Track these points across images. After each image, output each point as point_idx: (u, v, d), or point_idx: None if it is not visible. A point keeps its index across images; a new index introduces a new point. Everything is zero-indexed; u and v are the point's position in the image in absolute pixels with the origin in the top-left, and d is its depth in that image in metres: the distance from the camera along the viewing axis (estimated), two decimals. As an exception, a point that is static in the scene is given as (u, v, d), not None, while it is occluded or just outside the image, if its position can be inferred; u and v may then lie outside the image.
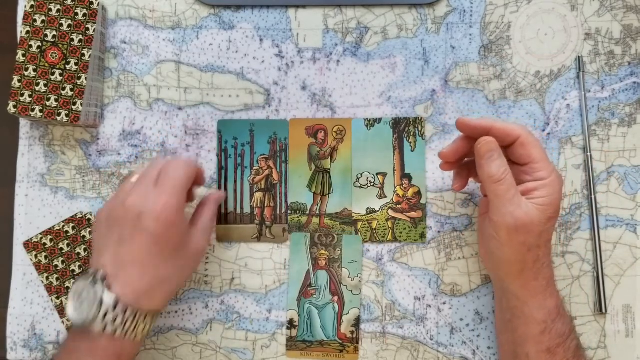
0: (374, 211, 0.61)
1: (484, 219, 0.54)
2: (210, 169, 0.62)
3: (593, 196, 0.60)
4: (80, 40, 0.58)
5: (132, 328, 0.47)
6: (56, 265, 0.60)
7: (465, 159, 0.57)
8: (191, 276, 0.61)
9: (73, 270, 0.60)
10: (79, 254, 0.60)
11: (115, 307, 0.47)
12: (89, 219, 0.61)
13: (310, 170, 0.61)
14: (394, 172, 0.61)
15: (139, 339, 0.49)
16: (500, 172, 0.49)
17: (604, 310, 0.59)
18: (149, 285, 0.49)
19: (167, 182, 0.50)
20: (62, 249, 0.60)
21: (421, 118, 0.61)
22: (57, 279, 0.60)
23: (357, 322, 0.60)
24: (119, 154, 0.62)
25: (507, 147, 0.52)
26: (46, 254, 0.60)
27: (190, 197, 0.55)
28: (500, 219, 0.49)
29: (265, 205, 0.61)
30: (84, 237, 0.60)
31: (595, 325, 0.60)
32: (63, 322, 0.60)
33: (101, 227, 0.51)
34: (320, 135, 0.62)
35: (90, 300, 0.47)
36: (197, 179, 0.55)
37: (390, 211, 0.61)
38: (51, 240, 0.60)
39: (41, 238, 0.60)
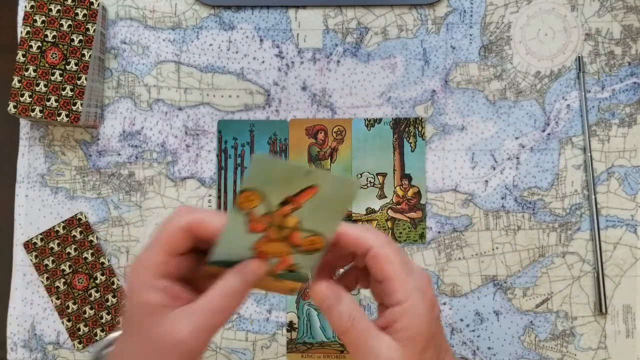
0: (373, 211, 0.61)
1: None
2: (210, 169, 0.62)
3: (593, 196, 0.60)
4: (80, 41, 0.58)
5: None
6: (56, 266, 0.60)
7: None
8: None
9: (74, 271, 0.60)
10: (69, 253, 0.60)
11: None
12: (79, 219, 0.61)
13: (310, 170, 0.61)
14: (394, 173, 0.61)
15: None
16: (344, 321, 0.38)
17: (604, 311, 0.59)
18: None
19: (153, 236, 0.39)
20: (61, 250, 0.60)
21: (421, 118, 0.61)
22: (56, 280, 0.60)
23: (357, 322, 0.60)
24: (119, 155, 0.62)
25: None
26: (46, 254, 0.60)
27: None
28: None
29: (265, 206, 0.61)
30: (74, 236, 0.60)
31: (595, 325, 0.60)
32: (63, 322, 0.60)
33: None
34: (320, 135, 0.62)
35: None
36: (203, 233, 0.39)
37: (390, 211, 0.61)
38: (51, 240, 0.60)
39: (41, 238, 0.60)
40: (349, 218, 0.61)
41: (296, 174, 0.38)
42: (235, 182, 0.61)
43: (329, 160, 0.61)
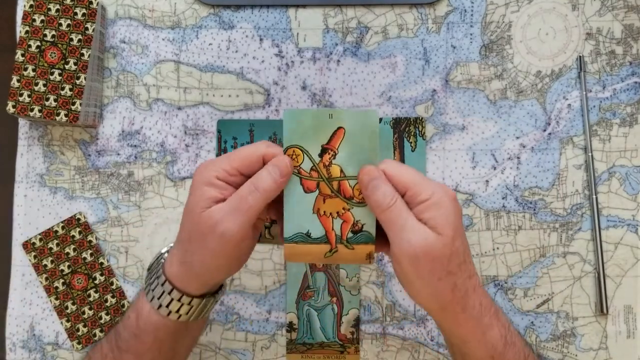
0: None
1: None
2: (209, 169, 0.62)
3: (594, 196, 0.60)
4: (79, 40, 0.58)
5: (165, 304, 0.46)
6: (55, 266, 0.60)
7: None
8: (235, 265, 0.48)
9: (73, 271, 0.60)
10: (68, 253, 0.60)
11: (164, 281, 0.47)
12: (78, 219, 0.61)
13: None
14: (394, 172, 0.61)
15: (173, 320, 0.47)
16: (387, 199, 0.43)
17: (605, 311, 0.59)
18: (177, 261, 0.47)
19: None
20: (60, 250, 0.60)
21: (421, 118, 0.61)
22: (55, 280, 0.60)
23: (356, 322, 0.60)
24: (118, 154, 0.62)
25: None
26: (45, 255, 0.60)
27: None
28: (399, 250, 0.43)
29: (265, 206, 0.61)
30: (73, 236, 0.60)
31: (596, 325, 0.60)
32: (62, 323, 0.60)
33: None
34: (320, 135, 0.62)
35: (158, 264, 0.49)
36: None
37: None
38: (50, 241, 0.60)
39: (40, 239, 0.60)
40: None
41: (322, 119, 0.45)
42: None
43: (329, 160, 0.61)
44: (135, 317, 0.48)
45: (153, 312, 0.47)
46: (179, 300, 0.47)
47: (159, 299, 0.47)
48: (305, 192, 0.46)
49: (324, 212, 0.46)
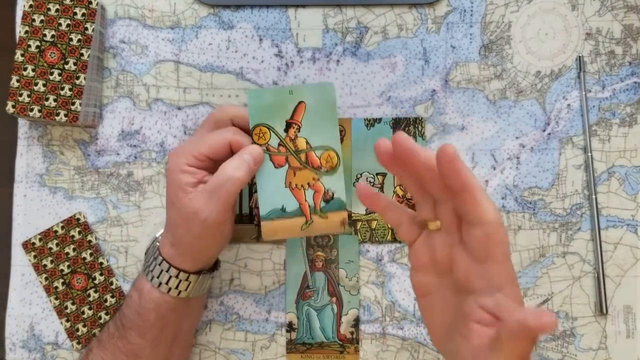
0: (373, 211, 0.61)
1: (432, 306, 0.44)
2: (209, 169, 0.62)
3: (594, 196, 0.60)
4: (79, 40, 0.58)
5: (165, 281, 0.50)
6: (55, 266, 0.60)
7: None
8: (220, 243, 0.52)
9: (72, 271, 0.60)
10: (67, 253, 0.60)
11: (161, 261, 0.51)
12: (78, 219, 0.61)
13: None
14: (394, 172, 0.61)
15: (173, 296, 0.51)
16: (532, 349, 0.37)
17: (604, 311, 0.59)
18: (168, 243, 0.51)
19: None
20: (60, 250, 0.60)
21: (421, 118, 0.61)
22: (55, 280, 0.60)
23: (356, 322, 0.60)
24: (118, 154, 0.62)
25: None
26: (44, 254, 0.60)
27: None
28: (510, 332, 0.36)
29: (265, 206, 0.61)
30: (72, 236, 0.60)
31: (596, 326, 0.60)
32: (61, 323, 0.60)
33: None
34: (320, 135, 0.62)
35: (154, 247, 0.53)
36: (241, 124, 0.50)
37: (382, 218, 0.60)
38: (50, 240, 0.60)
39: (40, 238, 0.60)
40: (349, 218, 0.60)
41: (284, 95, 0.49)
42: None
43: (328, 160, 0.62)
44: (137, 295, 0.51)
45: (154, 290, 0.51)
46: (176, 276, 0.50)
47: (158, 277, 0.51)
48: (276, 167, 0.49)
49: (296, 185, 0.49)
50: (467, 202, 0.38)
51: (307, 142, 0.49)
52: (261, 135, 0.49)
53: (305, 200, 0.49)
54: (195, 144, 0.49)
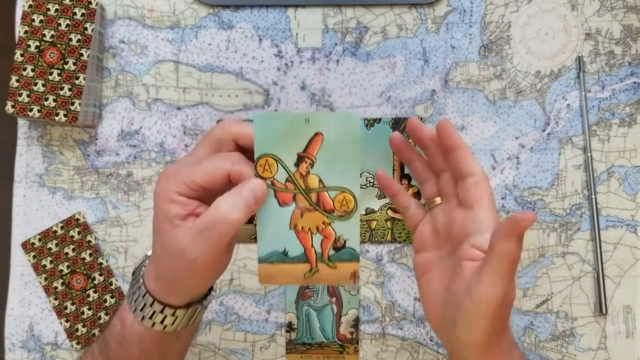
0: (373, 211, 0.61)
1: (430, 280, 0.48)
2: (209, 169, 0.61)
3: (593, 196, 0.60)
4: (78, 40, 0.58)
5: (148, 316, 0.44)
6: (54, 267, 0.60)
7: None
8: (212, 279, 0.46)
9: (72, 271, 0.60)
10: (67, 253, 0.60)
11: (144, 293, 0.44)
12: (77, 219, 0.60)
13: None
14: (394, 173, 0.61)
15: (157, 331, 0.45)
16: (519, 252, 0.40)
17: (604, 311, 0.59)
18: (153, 276, 0.44)
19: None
20: (60, 250, 0.60)
21: (421, 118, 0.61)
22: (54, 280, 0.60)
23: (356, 322, 0.60)
24: (118, 154, 0.62)
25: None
26: (44, 255, 0.60)
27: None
28: (490, 296, 0.41)
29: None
30: (72, 236, 0.60)
31: (595, 326, 0.60)
32: (61, 323, 0.60)
33: None
34: (320, 135, 0.61)
35: (139, 274, 0.46)
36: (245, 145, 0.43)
37: (389, 211, 0.61)
38: (49, 241, 0.60)
39: (39, 239, 0.60)
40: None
41: (298, 124, 0.40)
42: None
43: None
44: (120, 326, 0.46)
45: (137, 323, 0.45)
46: (161, 312, 0.44)
47: (141, 310, 0.44)
48: (281, 205, 0.42)
49: (302, 227, 0.42)
50: (459, 157, 0.46)
51: (320, 181, 0.41)
52: (267, 167, 0.41)
53: (312, 246, 0.42)
54: (189, 169, 0.42)
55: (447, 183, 0.48)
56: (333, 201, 0.41)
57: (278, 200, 0.41)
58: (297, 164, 0.41)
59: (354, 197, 0.41)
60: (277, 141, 0.41)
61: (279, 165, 0.41)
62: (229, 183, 0.42)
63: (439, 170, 0.49)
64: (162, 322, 0.44)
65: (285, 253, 0.42)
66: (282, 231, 0.42)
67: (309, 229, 0.42)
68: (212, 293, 0.49)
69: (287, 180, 0.41)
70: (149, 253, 0.46)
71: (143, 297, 0.44)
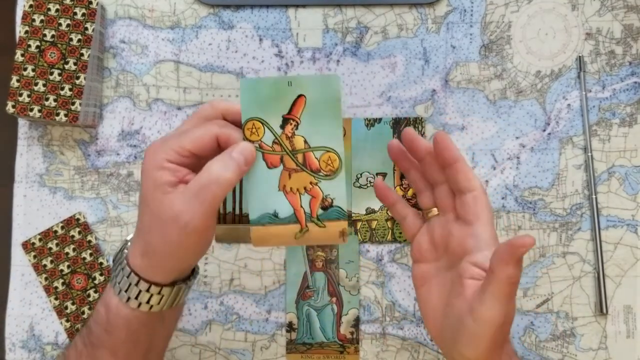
0: (373, 211, 0.61)
1: (429, 292, 0.48)
2: (209, 169, 0.61)
3: (594, 196, 0.60)
4: (79, 40, 0.58)
5: (134, 296, 0.44)
6: (54, 266, 0.60)
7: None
8: (199, 251, 0.46)
9: (72, 271, 0.60)
10: (67, 253, 0.60)
11: (129, 273, 0.44)
12: (78, 219, 0.60)
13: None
14: (394, 172, 0.61)
15: (144, 311, 0.45)
16: (519, 275, 0.41)
17: (604, 311, 0.59)
18: (139, 252, 0.44)
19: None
20: (60, 250, 0.60)
21: (421, 118, 0.61)
22: (54, 280, 0.60)
23: (356, 322, 0.60)
24: (118, 154, 0.62)
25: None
26: (44, 255, 0.60)
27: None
28: (493, 317, 0.42)
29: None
30: (72, 236, 0.60)
31: (596, 326, 0.60)
32: (61, 323, 0.60)
33: None
34: (320, 135, 0.62)
35: (122, 255, 0.46)
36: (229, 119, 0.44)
37: (389, 211, 0.60)
38: (50, 241, 0.60)
39: (40, 239, 0.60)
40: (349, 218, 0.60)
41: (281, 87, 0.42)
42: (234, 182, 0.61)
43: (328, 160, 0.61)
44: (104, 311, 0.45)
45: (122, 305, 0.44)
46: (147, 290, 0.44)
47: (126, 291, 0.44)
48: (269, 167, 0.43)
49: (290, 188, 0.43)
50: (457, 172, 0.45)
51: (305, 142, 0.43)
52: (254, 130, 0.42)
53: (301, 206, 0.43)
54: (177, 137, 0.43)
55: (444, 196, 0.48)
56: (319, 161, 0.43)
57: (266, 163, 0.43)
58: (282, 126, 0.43)
59: (339, 156, 0.43)
60: (262, 105, 0.42)
61: (266, 128, 0.43)
62: (218, 149, 0.43)
63: (435, 182, 0.48)
64: (148, 301, 0.44)
65: (275, 215, 0.43)
66: (272, 193, 0.43)
67: (297, 189, 0.43)
68: (195, 274, 0.49)
69: (274, 142, 0.43)
70: (129, 237, 0.46)
71: (128, 277, 0.44)
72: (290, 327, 0.60)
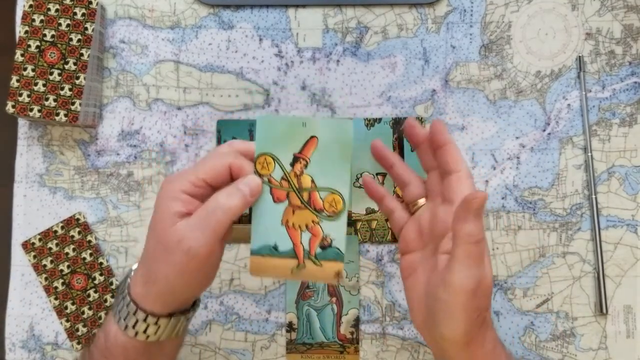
0: (373, 211, 0.61)
1: (415, 280, 0.47)
2: (209, 169, 0.61)
3: (594, 196, 0.60)
4: (79, 40, 0.58)
5: (131, 324, 0.45)
6: (54, 266, 0.60)
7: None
8: (202, 282, 0.47)
9: (72, 271, 0.60)
10: (67, 253, 0.60)
11: (129, 302, 0.45)
12: (78, 219, 0.60)
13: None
14: (394, 172, 0.61)
15: (141, 340, 0.46)
16: (481, 232, 0.41)
17: (604, 311, 0.59)
18: (141, 280, 0.45)
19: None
20: (60, 250, 0.60)
21: (421, 118, 0.61)
22: (54, 280, 0.60)
23: (356, 322, 0.60)
24: (118, 154, 0.62)
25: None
26: (44, 255, 0.60)
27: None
28: (462, 283, 0.41)
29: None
30: (72, 236, 0.60)
31: (596, 326, 0.60)
32: (61, 323, 0.60)
33: None
34: (320, 135, 0.62)
35: (125, 284, 0.47)
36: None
37: (378, 206, 0.60)
38: (50, 241, 0.60)
39: (40, 239, 0.60)
40: (349, 218, 0.60)
41: (296, 126, 0.44)
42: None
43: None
44: (104, 338, 0.47)
45: (120, 333, 0.46)
46: (144, 320, 0.45)
47: (125, 319, 0.45)
48: (275, 202, 0.45)
49: (293, 224, 0.45)
50: (446, 153, 0.45)
51: (312, 181, 0.44)
52: (265, 165, 0.44)
53: (301, 243, 0.45)
54: (194, 168, 0.45)
55: (434, 181, 0.48)
56: (323, 201, 0.44)
57: (273, 197, 0.45)
58: (292, 164, 0.44)
59: (343, 198, 0.44)
60: (276, 141, 0.44)
61: (276, 163, 0.44)
62: (230, 181, 0.45)
63: (427, 168, 0.49)
64: (144, 331, 0.45)
65: (275, 247, 0.45)
66: (275, 226, 0.45)
67: (299, 225, 0.45)
68: (196, 306, 0.49)
69: (282, 178, 0.45)
70: (134, 267, 0.47)
71: (127, 306, 0.45)
72: (290, 327, 0.60)
